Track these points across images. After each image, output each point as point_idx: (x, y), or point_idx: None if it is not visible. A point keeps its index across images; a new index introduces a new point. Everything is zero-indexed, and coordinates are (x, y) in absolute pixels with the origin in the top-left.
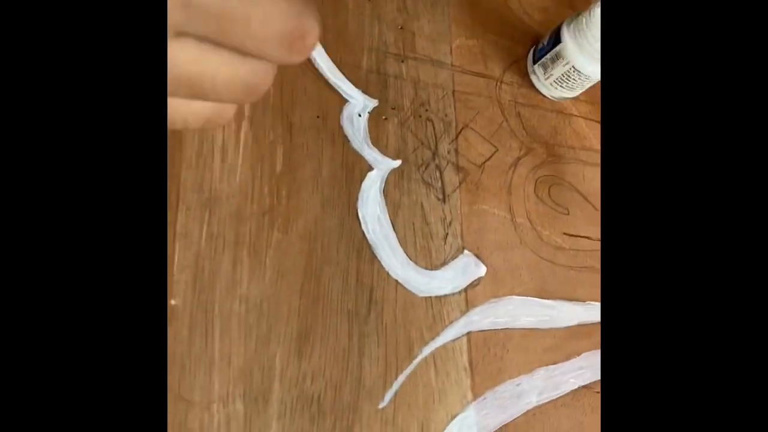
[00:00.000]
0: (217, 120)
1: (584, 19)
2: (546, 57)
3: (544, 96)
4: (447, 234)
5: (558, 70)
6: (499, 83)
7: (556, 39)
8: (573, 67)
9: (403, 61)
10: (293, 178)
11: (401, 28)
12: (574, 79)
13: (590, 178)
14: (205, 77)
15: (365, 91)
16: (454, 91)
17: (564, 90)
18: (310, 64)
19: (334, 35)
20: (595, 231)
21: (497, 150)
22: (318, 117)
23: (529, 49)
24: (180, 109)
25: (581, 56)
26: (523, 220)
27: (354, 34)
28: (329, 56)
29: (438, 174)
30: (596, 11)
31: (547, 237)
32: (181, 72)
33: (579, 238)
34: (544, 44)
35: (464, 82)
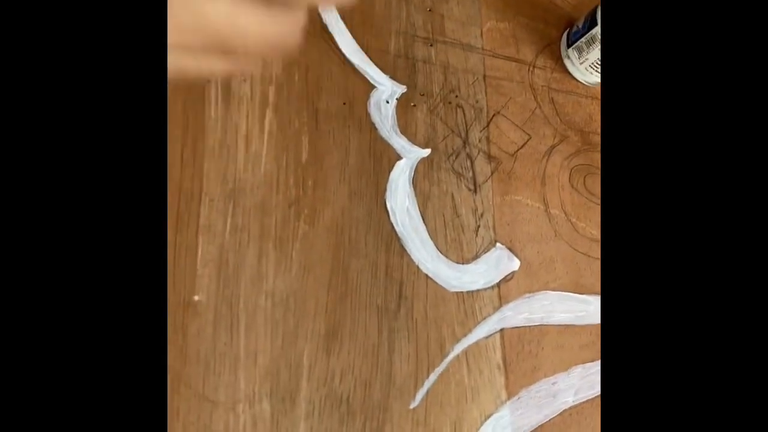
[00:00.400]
0: (244, 71)
1: None
2: (581, 40)
3: (579, 81)
4: (479, 226)
5: (593, 54)
6: (531, 68)
7: (591, 21)
8: None
9: (432, 45)
10: (320, 167)
11: (430, 10)
12: None
13: None
14: (236, 31)
15: (393, 77)
16: (485, 76)
17: (599, 74)
18: (335, 48)
19: (360, 18)
20: None
21: (530, 138)
22: (344, 104)
23: (563, 32)
24: (209, 64)
25: None
26: (557, 211)
27: (381, 16)
28: (356, 40)
29: (469, 163)
30: None
31: (582, 229)
32: (212, 26)
33: None
34: (579, 27)
35: (495, 66)
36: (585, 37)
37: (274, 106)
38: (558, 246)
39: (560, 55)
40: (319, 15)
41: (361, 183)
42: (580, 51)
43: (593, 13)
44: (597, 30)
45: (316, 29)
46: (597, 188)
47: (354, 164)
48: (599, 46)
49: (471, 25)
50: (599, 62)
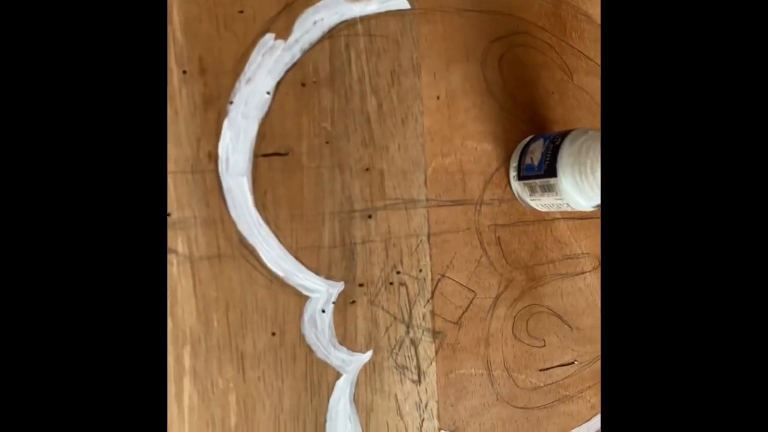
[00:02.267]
0: None
1: (588, 165)
2: (535, 181)
3: (527, 206)
4: (423, 420)
5: (548, 200)
6: (479, 206)
7: (549, 167)
8: (567, 204)
9: (371, 216)
10: (251, 425)
11: (367, 169)
12: (565, 209)
13: (568, 292)
14: None
15: (328, 276)
16: (429, 235)
17: (552, 208)
18: (258, 264)
19: (286, 213)
20: (569, 353)
21: (475, 295)
22: (274, 334)
23: (512, 152)
24: None
25: (580, 197)
26: (500, 371)
27: (311, 201)
28: (282, 244)
29: (413, 351)
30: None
31: (522, 381)
32: None
33: (553, 369)
34: (533, 163)
35: (440, 218)
36: (540, 180)
37: (192, 373)
38: (499, 411)
39: (509, 178)
40: (236, 228)
41: (298, 425)
42: (532, 189)
43: (552, 158)
44: (556, 182)
45: (234, 246)
46: (539, 329)
47: (289, 406)
48: (556, 197)
49: (414, 172)
50: (553, 206)
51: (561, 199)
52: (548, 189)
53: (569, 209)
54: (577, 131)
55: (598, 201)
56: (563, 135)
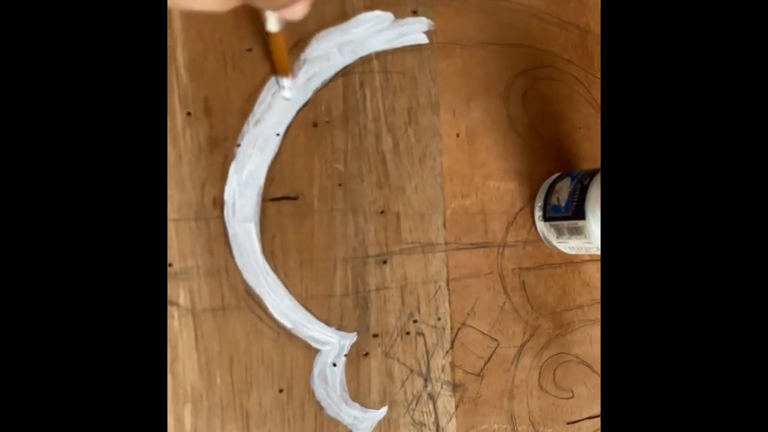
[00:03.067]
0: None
1: None
2: (562, 223)
3: (553, 247)
4: None
5: (576, 243)
6: (501, 249)
7: (577, 209)
8: (597, 248)
9: (386, 262)
10: None
11: (382, 212)
12: (595, 252)
13: (597, 340)
14: None
15: (340, 327)
16: (448, 281)
17: (580, 251)
18: (265, 315)
19: (296, 259)
20: (599, 405)
21: (498, 344)
22: (281, 391)
23: (537, 190)
24: None
25: None
26: (525, 426)
27: (322, 246)
28: (290, 293)
29: (431, 406)
30: None
31: None
32: None
33: (582, 422)
34: (560, 203)
35: (460, 263)
36: (568, 222)
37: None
38: None
39: (533, 217)
40: (242, 277)
41: None
42: (559, 232)
43: (580, 199)
44: (584, 225)
45: (239, 297)
46: (567, 379)
47: None
48: (584, 240)
49: (432, 214)
50: (580, 249)
51: (590, 242)
52: (576, 232)
53: (599, 253)
54: None
55: None
56: (592, 174)
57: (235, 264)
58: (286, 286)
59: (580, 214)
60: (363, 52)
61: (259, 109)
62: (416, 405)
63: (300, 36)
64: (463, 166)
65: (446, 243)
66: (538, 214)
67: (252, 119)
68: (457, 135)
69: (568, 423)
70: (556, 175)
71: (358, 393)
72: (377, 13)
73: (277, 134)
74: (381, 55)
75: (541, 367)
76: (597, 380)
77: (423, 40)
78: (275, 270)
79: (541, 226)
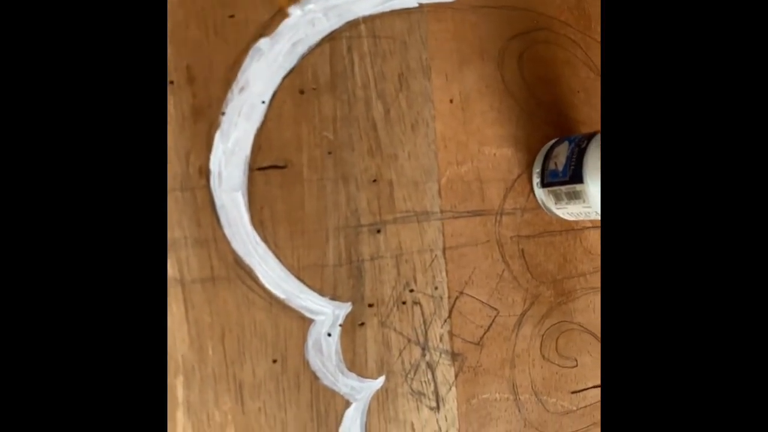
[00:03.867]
0: None
1: None
2: (560, 188)
3: (553, 214)
4: None
5: (575, 209)
6: (499, 216)
7: (575, 173)
8: (596, 212)
9: (379, 231)
10: None
11: (374, 180)
12: (594, 217)
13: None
14: None
15: (334, 297)
16: (444, 250)
17: (579, 217)
18: (256, 286)
19: (286, 229)
20: None
21: (498, 313)
22: (275, 361)
23: (535, 156)
24: None
25: None
26: (527, 395)
27: (313, 215)
28: (282, 263)
29: (430, 375)
30: None
31: (553, 405)
32: None
33: (587, 391)
34: (558, 168)
35: (457, 231)
36: (566, 187)
37: (186, 405)
38: None
39: (531, 184)
40: (231, 247)
41: None
42: (557, 197)
43: (578, 163)
44: (582, 189)
45: (229, 267)
46: (570, 347)
47: None
48: (583, 204)
49: (427, 182)
50: (580, 214)
51: (589, 206)
52: (575, 196)
53: (598, 217)
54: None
55: None
56: (590, 137)
57: (223, 234)
58: (277, 257)
59: (577, 177)
60: (350, 17)
61: (242, 76)
62: (414, 374)
63: None
64: (457, 132)
65: (442, 211)
66: (536, 180)
67: (236, 87)
68: (451, 101)
69: (573, 392)
70: (554, 140)
71: (354, 363)
72: None
73: (263, 102)
74: (368, 20)
75: (542, 336)
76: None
77: (412, 3)
78: (265, 240)
79: (540, 192)
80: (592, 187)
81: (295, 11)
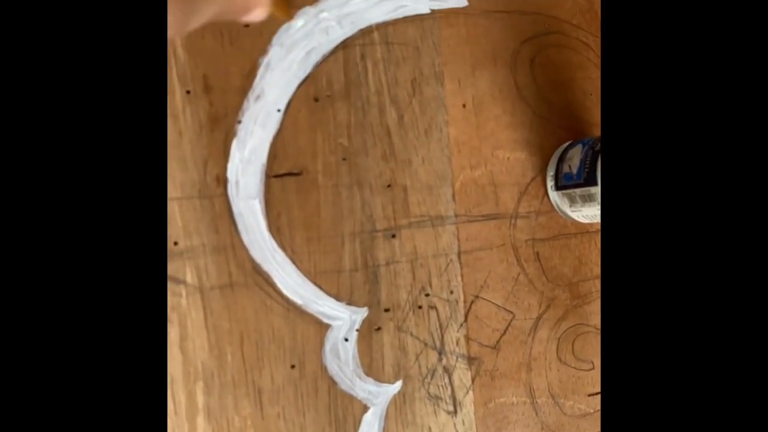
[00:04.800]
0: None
1: None
2: (575, 191)
3: (568, 217)
4: None
5: (590, 211)
6: (513, 220)
7: (589, 175)
8: None
9: (394, 236)
10: None
11: (389, 186)
12: None
13: None
14: None
15: (350, 302)
16: (459, 254)
17: (594, 219)
18: (274, 292)
19: (303, 235)
20: None
21: (514, 316)
22: (293, 367)
23: (549, 159)
24: None
25: None
26: (544, 398)
27: (329, 221)
28: (299, 269)
29: (447, 379)
30: None
31: (570, 408)
32: None
33: None
34: (572, 171)
35: (471, 235)
36: (580, 190)
37: (206, 411)
38: None
39: (545, 186)
40: (249, 254)
41: None
42: (572, 200)
43: (592, 165)
44: (597, 192)
45: (247, 274)
46: (586, 350)
47: None
48: (598, 205)
49: (441, 186)
50: (596, 217)
51: None
52: (589, 199)
53: None
54: None
55: None
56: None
57: (241, 241)
58: (294, 262)
59: (592, 180)
60: (363, 24)
61: (258, 85)
62: (431, 379)
63: (295, 6)
64: (470, 137)
65: (456, 215)
66: (550, 183)
67: (252, 95)
68: (464, 105)
69: (589, 395)
70: (568, 142)
71: (371, 368)
72: None
73: (278, 110)
74: (381, 27)
75: (559, 339)
76: None
77: (424, 9)
78: (282, 246)
79: (554, 195)
80: None
81: (307, 18)
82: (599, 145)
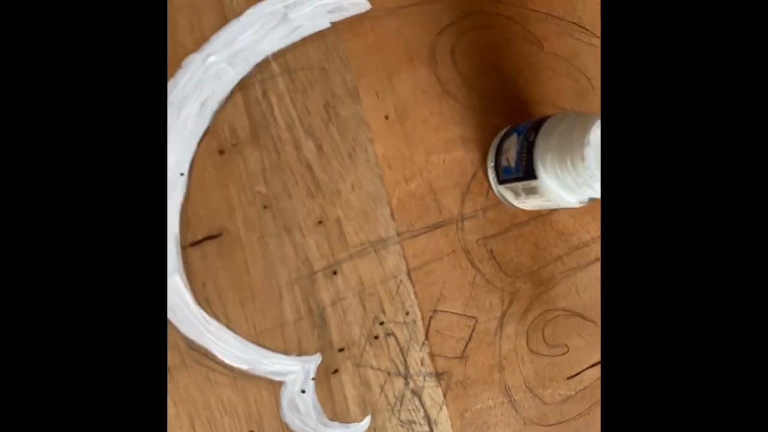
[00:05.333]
0: None
1: (569, 160)
2: (516, 185)
3: (516, 207)
4: None
5: (535, 202)
6: (460, 223)
7: (527, 169)
8: (557, 204)
9: (336, 273)
10: None
11: (320, 222)
12: (557, 207)
13: (584, 285)
14: None
15: (300, 352)
16: (409, 272)
17: (543, 207)
18: (216, 365)
19: (235, 298)
20: (598, 351)
21: (477, 321)
22: None
23: (487, 152)
24: None
25: (568, 195)
26: (522, 394)
27: (261, 275)
28: (238, 333)
29: (417, 401)
30: (589, 153)
31: (549, 396)
32: None
33: (583, 373)
34: (510, 164)
35: (418, 250)
36: (522, 183)
37: None
38: None
39: (488, 180)
40: (180, 333)
41: None
42: (515, 193)
43: (528, 158)
44: (538, 184)
45: (182, 354)
46: (558, 335)
47: None
48: (542, 198)
49: (377, 208)
50: (541, 205)
51: (548, 200)
52: (532, 192)
53: (563, 206)
54: (551, 120)
55: (590, 194)
56: (536, 127)
57: (169, 322)
58: (231, 329)
59: (530, 173)
60: (257, 58)
61: None
62: (401, 405)
63: (176, 57)
64: (399, 148)
65: (399, 234)
66: (492, 176)
67: None
68: (386, 117)
69: (568, 378)
70: (503, 131)
71: (335, 411)
72: (263, 5)
73: (181, 174)
74: (279, 56)
75: (527, 331)
76: (591, 328)
77: (323, 24)
78: (215, 316)
79: (498, 188)
80: (548, 181)
81: (194, 67)
82: (533, 134)
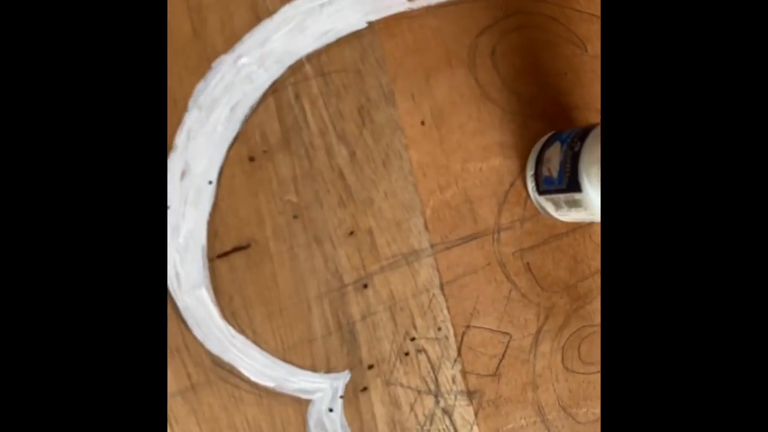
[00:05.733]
0: None
1: None
2: (558, 196)
3: (556, 218)
4: None
5: (578, 215)
6: (496, 234)
7: (571, 181)
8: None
9: (366, 286)
10: None
11: (351, 233)
12: (598, 220)
13: None
14: None
15: (328, 369)
16: (442, 286)
17: (586, 220)
18: (241, 381)
19: (262, 312)
20: None
21: (511, 337)
22: None
23: (527, 160)
24: None
25: None
26: (555, 413)
27: (289, 288)
28: (265, 349)
29: (447, 421)
30: None
31: (584, 415)
32: None
33: None
34: (551, 174)
35: (452, 262)
36: (564, 195)
37: None
38: None
39: (526, 188)
40: (205, 349)
41: None
42: (556, 205)
43: (573, 169)
44: (582, 197)
45: (207, 370)
46: (593, 352)
47: None
48: (585, 212)
49: (410, 218)
50: (585, 220)
51: (592, 214)
52: (575, 204)
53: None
54: (597, 129)
55: None
56: (582, 136)
57: (194, 338)
58: (258, 344)
59: (574, 186)
60: (290, 60)
61: (181, 159)
62: (431, 425)
63: (206, 57)
64: (435, 156)
65: (432, 246)
66: (530, 185)
67: (176, 173)
68: (422, 122)
69: None
70: (545, 138)
71: (363, 431)
72: (298, 3)
73: (210, 182)
74: (313, 57)
75: (563, 348)
76: None
77: (360, 24)
78: (241, 331)
79: (537, 199)
80: (593, 194)
81: (224, 69)
82: (579, 144)
